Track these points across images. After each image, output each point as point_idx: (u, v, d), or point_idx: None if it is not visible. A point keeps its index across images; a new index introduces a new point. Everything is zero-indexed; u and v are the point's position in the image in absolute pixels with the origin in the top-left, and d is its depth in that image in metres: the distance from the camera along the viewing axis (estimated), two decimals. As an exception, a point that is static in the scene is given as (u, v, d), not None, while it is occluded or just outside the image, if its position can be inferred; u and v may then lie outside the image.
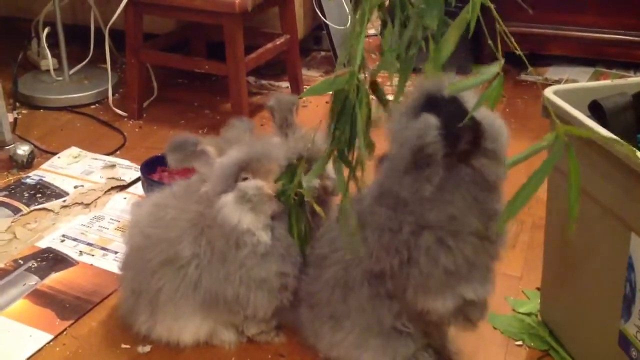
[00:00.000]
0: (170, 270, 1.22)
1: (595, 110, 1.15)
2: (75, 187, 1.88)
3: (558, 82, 2.57)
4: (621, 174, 0.99)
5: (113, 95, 2.40)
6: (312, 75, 2.69)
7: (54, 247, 1.62)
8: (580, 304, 1.20)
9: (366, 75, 0.94)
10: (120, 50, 2.54)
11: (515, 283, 1.48)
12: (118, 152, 2.09)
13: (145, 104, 2.37)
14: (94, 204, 1.81)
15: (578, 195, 0.79)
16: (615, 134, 0.97)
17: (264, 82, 2.62)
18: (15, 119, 2.24)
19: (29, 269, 1.54)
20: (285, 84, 2.58)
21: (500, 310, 1.38)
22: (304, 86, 2.54)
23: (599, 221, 1.08)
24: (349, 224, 1.02)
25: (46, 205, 1.79)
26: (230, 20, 2.05)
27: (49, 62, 2.51)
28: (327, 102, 0.93)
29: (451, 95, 0.96)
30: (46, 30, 2.51)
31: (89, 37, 2.51)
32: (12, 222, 1.72)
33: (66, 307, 1.42)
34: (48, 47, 2.51)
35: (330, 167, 1.08)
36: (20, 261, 1.56)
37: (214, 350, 1.30)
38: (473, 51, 2.60)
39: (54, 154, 2.06)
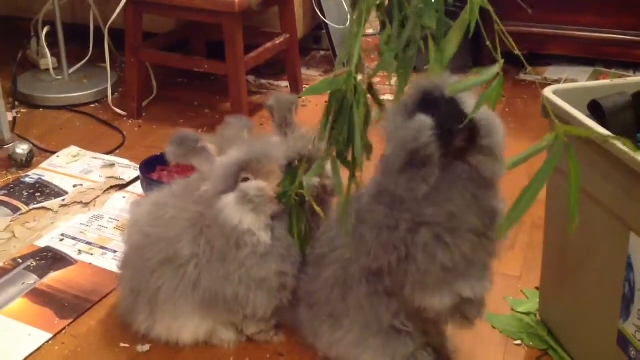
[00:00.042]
0: (169, 269, 1.22)
1: (595, 110, 1.15)
2: (75, 186, 1.88)
3: (557, 81, 2.57)
4: (621, 173, 1.00)
5: (112, 94, 2.40)
6: (311, 75, 2.68)
7: (53, 246, 1.62)
8: (579, 304, 1.20)
9: (365, 74, 0.94)
10: (119, 50, 2.54)
11: (514, 283, 1.48)
12: (117, 151, 2.09)
13: (144, 103, 2.37)
14: (93, 203, 1.81)
15: (578, 195, 0.79)
16: (615, 134, 0.97)
17: (263, 81, 2.62)
18: (15, 118, 2.24)
19: (28, 268, 1.54)
20: (284, 84, 2.58)
21: (499, 309, 1.38)
22: (304, 85, 2.54)
23: (598, 221, 1.08)
24: (348, 223, 1.02)
25: (45, 204, 1.79)
26: (230, 19, 2.05)
27: (49, 61, 2.50)
28: (326, 102, 0.93)
29: (447, 93, 0.96)
30: (45, 30, 2.51)
31: (89, 36, 2.50)
32: (11, 221, 1.72)
33: (65, 306, 1.42)
34: (47, 46, 2.51)
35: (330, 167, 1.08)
36: (19, 260, 1.56)
37: (213, 349, 1.30)
38: (473, 51, 2.60)
39: (53, 153, 2.06)
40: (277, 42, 2.33)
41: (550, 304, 1.33)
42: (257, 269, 1.20)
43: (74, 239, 1.65)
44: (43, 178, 1.92)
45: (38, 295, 1.45)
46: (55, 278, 1.51)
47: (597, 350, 1.16)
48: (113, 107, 2.34)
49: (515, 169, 0.84)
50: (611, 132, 1.00)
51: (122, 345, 1.31)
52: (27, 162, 1.98)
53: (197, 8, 2.06)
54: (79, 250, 1.60)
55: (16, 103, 2.37)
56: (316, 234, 1.24)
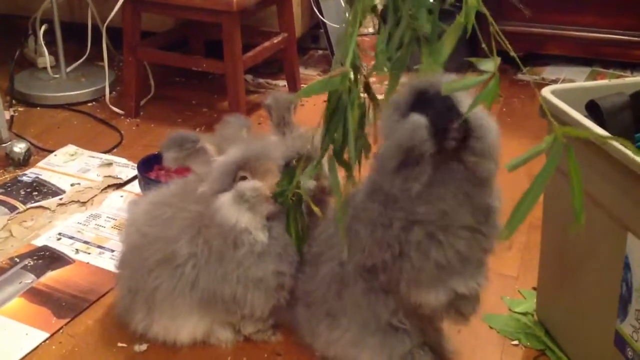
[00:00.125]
0: (167, 269, 1.22)
1: (593, 110, 1.15)
2: (72, 185, 1.88)
3: (555, 81, 2.57)
4: (619, 174, 1.00)
5: (110, 93, 2.39)
6: (309, 74, 2.68)
7: (50, 245, 1.62)
8: (576, 304, 1.20)
9: (362, 75, 0.94)
10: (117, 48, 2.54)
11: (512, 283, 1.48)
12: (115, 150, 2.09)
13: (142, 102, 2.37)
14: (90, 202, 1.81)
15: (582, 198, 0.78)
16: (613, 134, 0.97)
17: (261, 80, 2.62)
18: (12, 117, 2.24)
19: (25, 267, 1.53)
20: (282, 83, 2.58)
21: (496, 310, 1.38)
22: (301, 85, 2.54)
23: (596, 221, 1.08)
24: (345, 222, 1.01)
25: (42, 203, 1.79)
26: (228, 18, 2.05)
27: (46, 59, 2.50)
28: (324, 101, 0.93)
29: (441, 92, 0.96)
30: (43, 28, 2.50)
31: (86, 35, 2.50)
32: (8, 220, 1.71)
33: (62, 305, 1.41)
34: (45, 44, 2.51)
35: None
36: (16, 259, 1.56)
37: (211, 349, 1.30)
38: (470, 51, 2.60)
39: (51, 151, 2.05)
40: (275, 41, 2.32)
41: (548, 304, 1.33)
42: (254, 269, 1.20)
43: (71, 238, 1.65)
44: (40, 177, 1.92)
45: (35, 295, 1.45)
46: (52, 277, 1.50)
47: (594, 351, 1.16)
48: (111, 106, 2.34)
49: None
50: (609, 132, 1.00)
51: (119, 344, 1.31)
52: (25, 161, 1.97)
53: (195, 7, 2.06)
54: (77, 250, 1.60)
55: (13, 101, 2.37)
56: (313, 233, 1.24)
